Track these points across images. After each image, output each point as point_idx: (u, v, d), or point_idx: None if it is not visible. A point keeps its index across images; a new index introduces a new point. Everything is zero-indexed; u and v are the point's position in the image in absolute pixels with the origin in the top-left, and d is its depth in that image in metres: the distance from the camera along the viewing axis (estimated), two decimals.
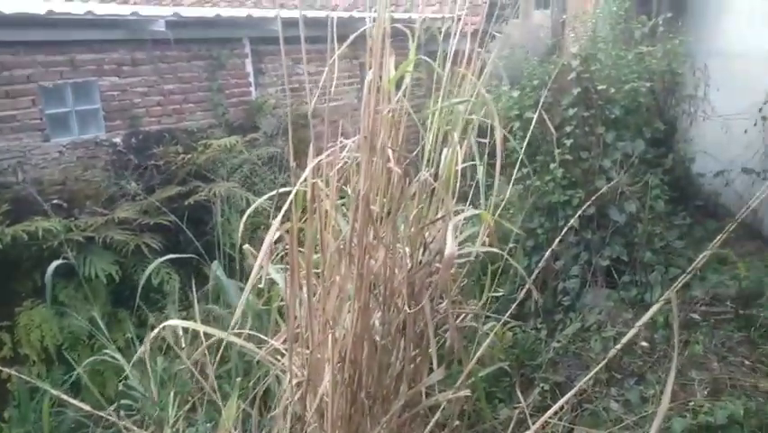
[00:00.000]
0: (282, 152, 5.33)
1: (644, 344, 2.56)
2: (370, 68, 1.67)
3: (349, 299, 1.65)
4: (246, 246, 2.12)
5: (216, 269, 3.23)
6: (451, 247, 1.60)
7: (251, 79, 6.27)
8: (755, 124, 3.90)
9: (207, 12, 6.48)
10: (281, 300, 2.11)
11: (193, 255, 3.11)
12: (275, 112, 6.12)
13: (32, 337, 4.00)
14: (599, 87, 3.54)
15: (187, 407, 2.45)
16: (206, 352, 2.02)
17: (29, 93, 4.63)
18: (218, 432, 2.08)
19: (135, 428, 2.34)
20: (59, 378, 3.68)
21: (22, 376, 2.86)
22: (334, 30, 1.59)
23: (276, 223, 1.62)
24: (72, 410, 3.62)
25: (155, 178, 4.97)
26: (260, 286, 2.15)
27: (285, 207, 1.62)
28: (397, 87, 1.78)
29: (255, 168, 4.98)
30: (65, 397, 2.33)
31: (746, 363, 2.48)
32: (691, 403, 2.27)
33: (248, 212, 1.90)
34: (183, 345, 2.53)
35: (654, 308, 1.22)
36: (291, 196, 1.58)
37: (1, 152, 4.34)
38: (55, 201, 4.30)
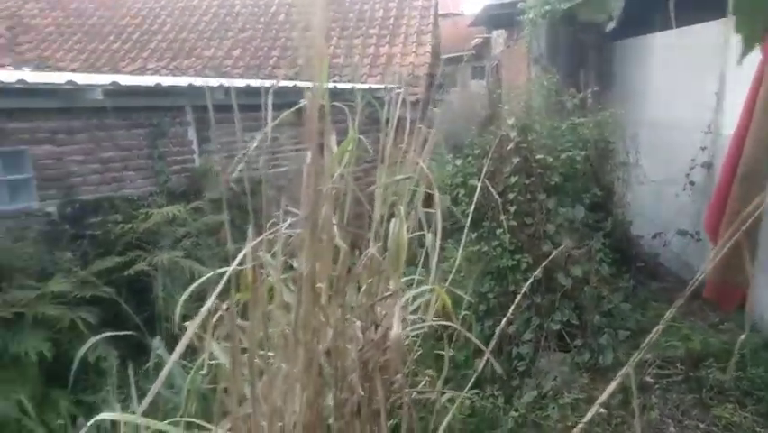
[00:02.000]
0: (232, 219, 5.22)
1: (602, 410, 2.56)
2: (307, 143, 1.66)
3: (298, 383, 1.57)
4: (187, 323, 2.02)
5: (158, 346, 3.05)
6: (398, 328, 1.57)
7: (195, 147, 6.20)
8: (684, 189, 4.14)
9: (147, 80, 6.42)
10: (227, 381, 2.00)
11: (130, 332, 2.93)
12: (219, 179, 6.03)
13: None
14: (538, 156, 3.68)
15: None
16: None
17: None
18: None
19: None
20: None
21: None
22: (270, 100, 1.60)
23: (212, 299, 1.55)
24: None
25: (92, 248, 4.76)
26: (207, 364, 2.05)
27: (221, 285, 1.56)
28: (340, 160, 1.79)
29: (199, 238, 4.83)
30: None
31: (701, 426, 2.51)
32: None
33: (192, 287, 1.81)
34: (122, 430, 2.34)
35: (614, 383, 1.21)
36: (227, 274, 1.53)
37: None
38: None
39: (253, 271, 1.44)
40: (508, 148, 3.53)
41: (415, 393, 2.03)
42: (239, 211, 6.03)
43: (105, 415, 1.83)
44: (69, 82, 4.93)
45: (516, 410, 2.66)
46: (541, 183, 3.53)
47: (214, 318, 1.78)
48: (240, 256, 1.55)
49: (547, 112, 4.64)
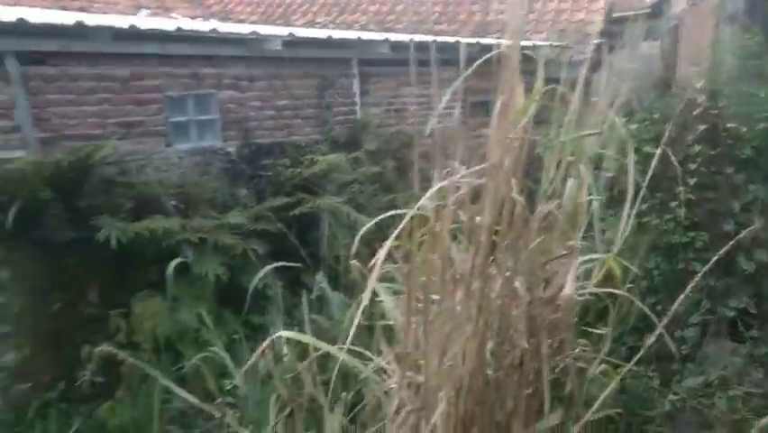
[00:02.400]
0: (384, 172, 5.43)
1: None
2: (500, 94, 1.65)
3: (464, 329, 1.62)
4: (353, 262, 2.15)
5: (321, 280, 3.31)
6: (571, 288, 1.55)
7: (357, 99, 6.46)
8: None
9: (320, 33, 6.77)
10: (385, 319, 2.13)
11: (300, 264, 3.21)
12: (378, 132, 6.25)
13: (145, 326, 4.27)
14: (728, 125, 3.33)
15: (286, 412, 2.50)
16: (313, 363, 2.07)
17: (156, 101, 5.01)
18: None
19: (236, 425, 2.41)
20: (166, 367, 3.90)
21: (137, 362, 3.01)
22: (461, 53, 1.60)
23: (390, 242, 1.64)
24: (178, 400, 3.83)
25: (264, 188, 5.21)
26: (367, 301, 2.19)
27: (400, 227, 1.64)
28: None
29: (362, 187, 5.10)
30: (173, 387, 2.45)
31: None
32: None
33: (363, 229, 1.91)
34: (285, 352, 2.61)
35: None
36: (408, 216, 1.60)
37: (129, 154, 4.71)
38: (173, 203, 4.62)
39: (436, 212, 1.49)
40: (694, 114, 3.23)
41: (573, 359, 2.01)
42: (394, 163, 6.22)
43: (284, 333, 2.04)
44: (253, 32, 5.36)
45: (676, 394, 2.52)
46: (729, 155, 3.20)
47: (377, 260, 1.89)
48: (421, 202, 1.61)
49: (742, 77, 4.13)
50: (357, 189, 5.09)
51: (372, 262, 1.83)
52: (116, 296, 4.53)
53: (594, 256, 1.87)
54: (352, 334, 2.12)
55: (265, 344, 1.97)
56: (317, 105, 6.04)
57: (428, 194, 1.63)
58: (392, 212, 1.86)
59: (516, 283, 1.64)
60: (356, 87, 6.41)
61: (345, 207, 4.82)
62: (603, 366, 2.09)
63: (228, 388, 3.06)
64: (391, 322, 1.98)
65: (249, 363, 2.07)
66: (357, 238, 1.93)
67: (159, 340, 4.32)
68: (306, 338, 1.86)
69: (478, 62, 1.73)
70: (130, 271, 4.54)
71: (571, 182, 1.93)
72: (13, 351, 4.21)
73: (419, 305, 1.65)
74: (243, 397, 2.85)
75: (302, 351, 2.40)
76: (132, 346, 4.27)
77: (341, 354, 1.79)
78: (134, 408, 4.08)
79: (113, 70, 4.70)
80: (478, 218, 1.62)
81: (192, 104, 5.25)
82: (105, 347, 3.29)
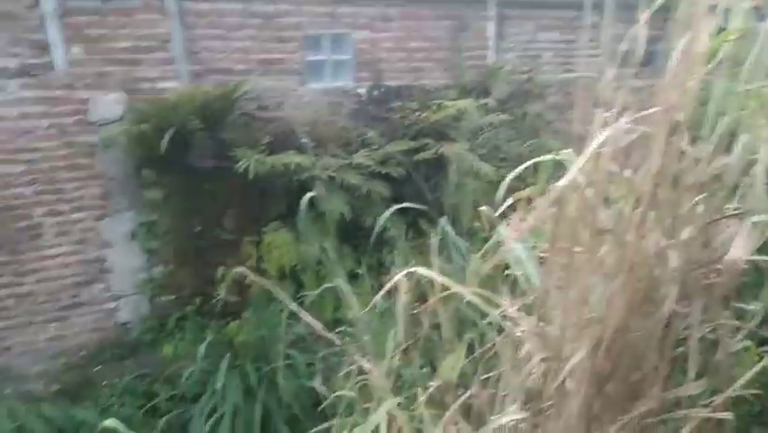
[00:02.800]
0: (515, 120, 5.23)
1: None
2: (683, 34, 1.47)
3: (610, 283, 1.53)
4: (484, 207, 2.10)
5: (444, 224, 3.29)
6: (741, 251, 1.39)
7: (491, 43, 6.20)
8: None
9: None
10: (509, 269, 2.07)
11: (425, 207, 3.20)
12: (510, 78, 5.99)
13: (273, 255, 4.55)
14: None
15: (403, 347, 2.56)
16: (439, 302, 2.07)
17: (294, 40, 5.14)
18: (436, 379, 2.14)
19: (355, 353, 2.49)
20: (290, 295, 4.15)
21: (269, 286, 3.19)
22: None
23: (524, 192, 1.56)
24: (299, 326, 4.07)
25: (390, 130, 5.23)
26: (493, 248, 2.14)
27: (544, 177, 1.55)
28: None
29: (490, 135, 4.96)
30: (299, 312, 2.58)
31: None
32: None
33: (509, 177, 1.82)
34: (405, 291, 2.64)
35: None
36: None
37: (268, 90, 4.91)
38: (305, 140, 4.78)
39: (597, 159, 1.39)
40: None
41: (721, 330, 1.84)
42: (522, 113, 5.88)
43: (415, 269, 2.04)
44: None
45: None
46: None
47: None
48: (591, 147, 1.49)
49: None
50: (485, 137, 4.95)
51: (501, 209, 1.78)
52: (249, 224, 4.85)
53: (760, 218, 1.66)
54: (477, 277, 2.09)
55: (397, 277, 1.98)
56: (449, 49, 5.89)
57: (596, 141, 1.50)
58: (532, 160, 1.77)
59: (673, 241, 1.50)
60: (491, 31, 6.15)
61: (470, 155, 4.73)
62: (746, 342, 1.90)
63: (348, 318, 3.18)
64: (517, 272, 1.93)
65: (377, 296, 2.10)
66: (503, 186, 1.84)
67: (284, 269, 4.61)
68: (435, 275, 1.84)
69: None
70: (262, 202, 4.82)
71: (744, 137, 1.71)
72: (161, 265, 4.69)
73: (558, 258, 1.57)
74: (363, 329, 2.94)
75: (421, 293, 2.42)
76: (259, 273, 4.59)
77: (468, 294, 1.77)
78: (259, 329, 4.41)
79: (258, 7, 4.86)
80: (629, 172, 1.50)
81: (328, 43, 5.33)
82: (238, 270, 3.56)
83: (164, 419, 3.95)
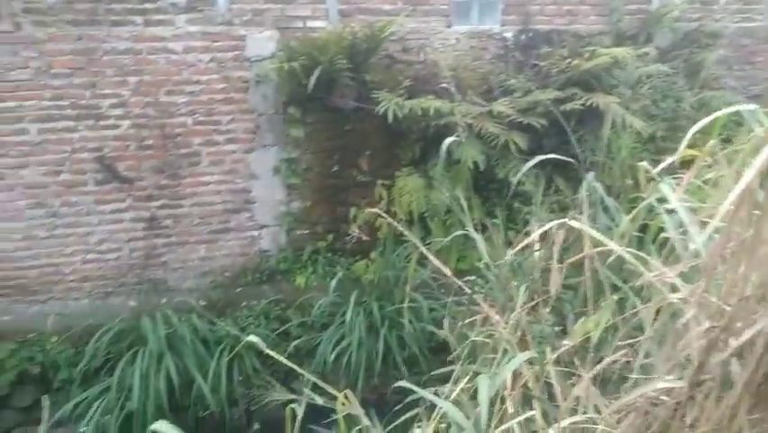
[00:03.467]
0: (676, 72, 4.70)
1: None
2: None
3: None
4: (642, 163, 1.91)
5: (592, 180, 3.08)
6: None
7: None
8: None
9: None
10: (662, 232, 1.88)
11: (571, 160, 3.00)
12: (675, 26, 5.37)
13: (403, 200, 4.59)
14: None
15: (531, 304, 2.47)
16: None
17: None
18: (569, 339, 2.05)
19: (483, 303, 2.45)
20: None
21: (399, 228, 3.21)
22: None
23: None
24: (424, 271, 4.10)
25: (535, 78, 4.95)
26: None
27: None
28: None
29: (646, 87, 4.51)
30: (430, 256, 2.56)
31: None
32: None
33: (692, 131, 1.61)
34: (538, 248, 2.52)
35: None
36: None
37: (412, 32, 4.83)
38: (446, 85, 4.68)
39: None
40: None
41: None
42: (685, 64, 5.26)
43: (569, 220, 1.91)
44: None
45: None
46: None
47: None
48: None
49: None
50: (642, 90, 4.52)
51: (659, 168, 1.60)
52: (383, 167, 4.91)
53: None
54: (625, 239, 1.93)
55: (545, 228, 1.89)
56: None
57: None
58: (711, 117, 1.55)
59: None
60: None
61: (622, 109, 4.34)
62: None
63: (475, 268, 3.13)
64: (672, 235, 1.75)
65: (515, 248, 2.03)
66: (685, 138, 1.64)
67: (413, 214, 4.63)
68: (589, 229, 1.71)
69: None
70: (397, 145, 4.84)
71: None
72: (299, 201, 4.93)
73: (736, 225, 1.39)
74: (492, 280, 2.89)
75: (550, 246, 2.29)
76: (389, 216, 4.66)
77: (623, 252, 1.63)
78: (385, 269, 4.52)
79: None
80: None
81: None
82: (370, 211, 3.63)
83: (294, 342, 4.25)
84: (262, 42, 4.44)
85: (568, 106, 4.54)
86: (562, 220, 1.81)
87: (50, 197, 4.38)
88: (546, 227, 1.76)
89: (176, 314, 4.29)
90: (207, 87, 4.44)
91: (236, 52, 4.43)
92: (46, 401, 3.26)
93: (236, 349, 3.90)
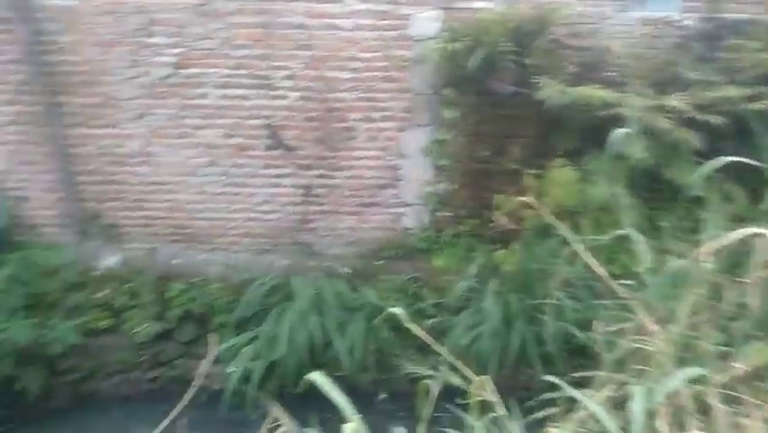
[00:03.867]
0: None
1: None
2: None
3: None
4: None
5: None
6: None
7: None
8: None
9: None
10: None
11: (762, 165, 2.68)
12: None
13: (554, 192, 4.42)
14: None
15: (697, 320, 2.28)
16: None
17: None
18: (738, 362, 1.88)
19: (640, 310, 2.31)
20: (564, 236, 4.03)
21: (549, 221, 3.10)
22: None
23: None
24: (569, 269, 3.94)
25: (716, 72, 4.47)
26: None
27: None
28: None
29: None
30: (585, 256, 2.44)
31: None
32: None
33: None
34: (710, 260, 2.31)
35: None
36: None
37: (582, 16, 4.58)
38: (612, 73, 4.40)
39: None
40: None
41: None
42: None
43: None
44: None
45: None
46: None
47: None
48: None
49: None
50: None
51: None
52: (534, 156, 4.76)
53: None
54: None
55: (722, 240, 1.74)
56: None
57: None
58: None
59: None
60: None
61: None
62: None
63: (633, 272, 2.94)
64: None
65: (687, 256, 1.88)
66: None
67: (562, 209, 4.44)
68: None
69: None
70: (553, 135, 4.66)
71: None
72: (446, 183, 4.96)
73: None
74: (651, 288, 2.70)
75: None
76: (537, 207, 4.52)
77: None
78: (527, 262, 4.41)
79: None
80: None
81: None
82: (519, 200, 3.53)
83: (429, 321, 4.32)
84: (427, 22, 4.47)
85: (755, 106, 4.08)
86: (754, 229, 1.65)
87: (223, 157, 4.83)
88: (732, 236, 1.60)
89: (321, 277, 4.55)
90: (369, 65, 4.59)
91: (400, 31, 4.51)
92: (213, 339, 3.64)
93: (377, 318, 4.06)
